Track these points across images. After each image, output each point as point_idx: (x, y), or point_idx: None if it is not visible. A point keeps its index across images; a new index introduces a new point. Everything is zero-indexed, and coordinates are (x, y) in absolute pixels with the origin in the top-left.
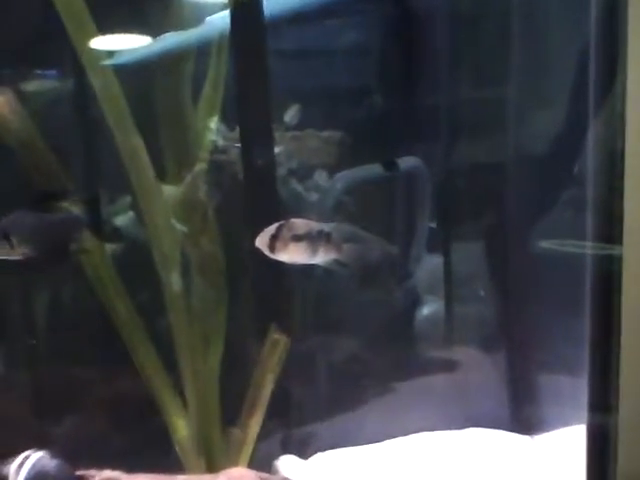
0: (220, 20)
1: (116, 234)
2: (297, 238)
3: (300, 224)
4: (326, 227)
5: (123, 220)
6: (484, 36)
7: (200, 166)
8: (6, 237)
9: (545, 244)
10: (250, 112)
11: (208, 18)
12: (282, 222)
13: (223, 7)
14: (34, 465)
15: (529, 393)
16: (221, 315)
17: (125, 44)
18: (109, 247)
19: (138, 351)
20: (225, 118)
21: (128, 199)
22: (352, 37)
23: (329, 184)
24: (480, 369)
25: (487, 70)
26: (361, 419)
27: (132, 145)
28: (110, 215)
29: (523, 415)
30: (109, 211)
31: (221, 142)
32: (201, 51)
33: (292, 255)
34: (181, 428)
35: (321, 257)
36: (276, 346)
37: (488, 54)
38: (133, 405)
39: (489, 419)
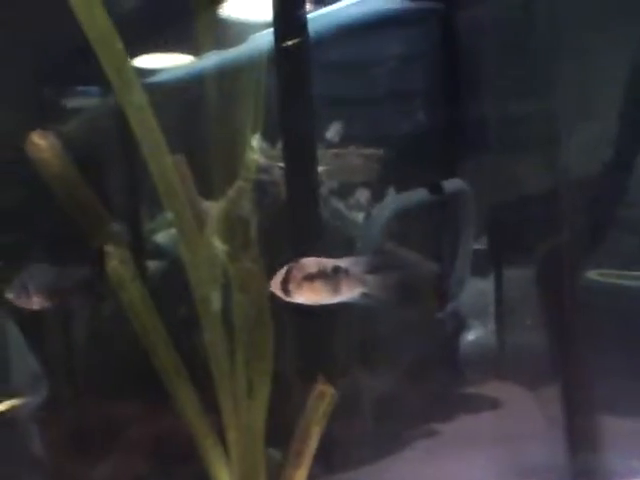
0: (264, 38)
1: (156, 252)
2: (310, 278)
3: (311, 263)
4: (342, 262)
5: (163, 237)
6: (536, 50)
7: (241, 183)
8: (24, 287)
9: (602, 273)
10: (293, 129)
11: (252, 36)
12: (291, 264)
13: (267, 26)
14: None
15: (589, 438)
16: (266, 351)
17: (168, 62)
18: (151, 265)
19: (178, 393)
20: (267, 136)
21: (168, 215)
22: (396, 53)
23: (376, 210)
24: (531, 408)
25: (538, 85)
26: (401, 467)
27: (163, 165)
28: (150, 232)
29: (583, 464)
30: (149, 228)
31: (263, 160)
32: (244, 69)
33: (309, 296)
34: (223, 477)
35: (345, 294)
36: (323, 398)
37: (539, 69)
38: (172, 448)
39: (543, 469)
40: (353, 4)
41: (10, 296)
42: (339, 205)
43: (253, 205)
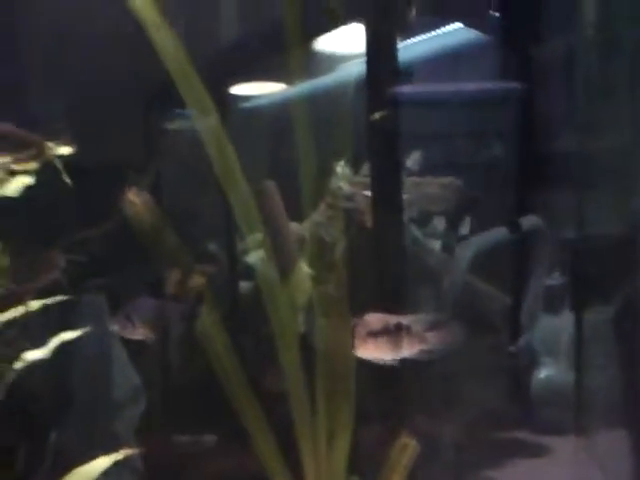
0: (353, 68)
1: (248, 272)
2: (374, 334)
3: (375, 319)
4: (404, 320)
5: (254, 258)
6: (617, 86)
7: (325, 207)
8: (129, 319)
9: None
10: (380, 158)
11: (342, 65)
12: (356, 319)
13: (356, 57)
14: None
15: None
16: (348, 400)
17: (264, 90)
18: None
19: (256, 438)
20: (353, 163)
21: (259, 236)
22: (478, 84)
23: (460, 249)
24: (611, 457)
25: (618, 121)
26: None
27: (240, 192)
28: (242, 253)
29: None
30: (241, 248)
31: (348, 188)
32: (331, 97)
33: (372, 352)
34: None
35: (407, 351)
36: (405, 450)
37: (616, 108)
38: None
39: None
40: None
41: (115, 328)
42: (417, 233)
43: (339, 231)
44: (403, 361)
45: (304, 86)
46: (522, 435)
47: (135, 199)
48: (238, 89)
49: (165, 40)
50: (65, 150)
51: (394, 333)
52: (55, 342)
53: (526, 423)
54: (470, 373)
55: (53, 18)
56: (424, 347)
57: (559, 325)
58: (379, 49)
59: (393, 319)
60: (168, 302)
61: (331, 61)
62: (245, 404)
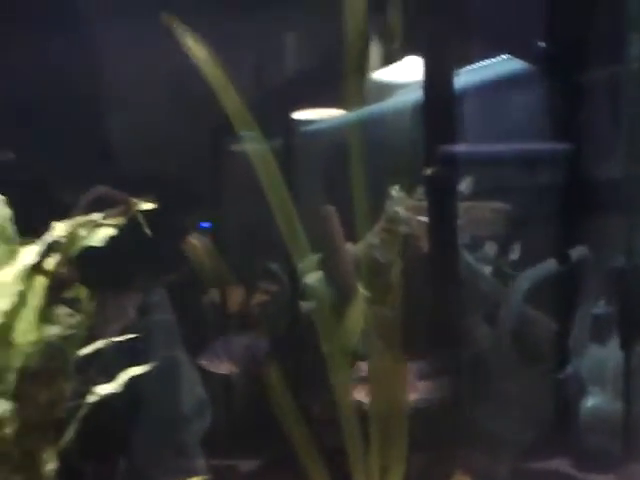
0: (409, 95)
1: (307, 292)
2: (365, 380)
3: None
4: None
5: (312, 278)
6: None
7: (380, 230)
8: (216, 354)
9: None
10: (436, 183)
11: (398, 93)
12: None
13: (412, 85)
14: None
15: None
16: (401, 436)
17: (322, 115)
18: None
19: (309, 466)
20: (408, 187)
21: (316, 257)
22: (527, 111)
23: (517, 281)
24: None
25: None
26: None
27: (287, 214)
28: (300, 273)
29: None
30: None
31: (403, 212)
32: (387, 122)
33: (365, 396)
34: None
35: None
36: None
37: None
38: None
39: None
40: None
41: (203, 362)
42: (469, 258)
43: (394, 254)
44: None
45: (361, 112)
46: (569, 463)
47: (196, 243)
48: (301, 114)
49: (218, 82)
50: (147, 206)
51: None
52: (125, 377)
53: (573, 451)
54: (521, 399)
55: (131, 69)
56: (415, 396)
57: (606, 354)
58: (435, 78)
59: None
60: (251, 340)
61: (387, 89)
62: (296, 431)
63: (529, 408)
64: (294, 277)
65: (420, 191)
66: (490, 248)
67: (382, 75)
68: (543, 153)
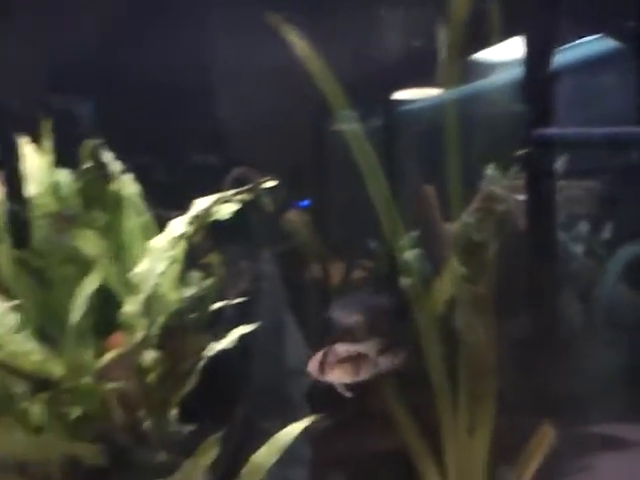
0: (507, 74)
1: (406, 270)
2: (341, 361)
3: (342, 349)
4: (362, 348)
5: (410, 256)
6: None
7: (474, 209)
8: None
9: None
10: (534, 161)
11: (498, 71)
12: (327, 348)
13: (510, 64)
14: None
15: None
16: (489, 390)
17: (421, 95)
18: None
19: (402, 423)
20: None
21: (414, 234)
22: (621, 89)
23: (612, 263)
24: None
25: None
26: None
27: (383, 195)
28: (398, 250)
29: None
30: (397, 246)
31: (499, 190)
32: (483, 101)
33: (338, 376)
34: None
35: (363, 374)
36: (546, 438)
37: None
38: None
39: None
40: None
41: (332, 315)
42: (563, 237)
43: (489, 233)
44: None
45: (459, 91)
46: None
47: (294, 218)
48: (400, 94)
49: (316, 67)
50: (271, 183)
51: (355, 360)
52: (237, 334)
53: None
54: (613, 376)
55: (241, 57)
56: (376, 370)
57: None
58: (534, 57)
59: (355, 348)
60: (373, 297)
61: (487, 68)
62: (390, 390)
63: (622, 387)
64: (392, 255)
65: (515, 170)
66: (583, 227)
67: (482, 54)
68: (636, 133)
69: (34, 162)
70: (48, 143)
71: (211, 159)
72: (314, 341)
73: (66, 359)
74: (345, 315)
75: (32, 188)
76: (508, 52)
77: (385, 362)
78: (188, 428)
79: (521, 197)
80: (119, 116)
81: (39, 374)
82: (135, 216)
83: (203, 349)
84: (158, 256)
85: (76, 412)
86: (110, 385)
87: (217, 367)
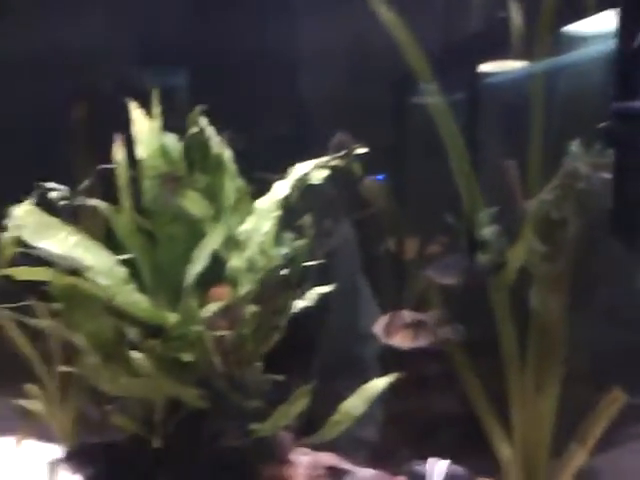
0: (595, 48)
1: (483, 246)
2: (405, 326)
3: (406, 314)
4: (424, 316)
5: (487, 233)
6: None
7: (554, 186)
8: (446, 267)
9: None
10: (623, 138)
11: (589, 44)
12: (394, 312)
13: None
14: (447, 469)
15: None
16: (558, 353)
17: (508, 67)
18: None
19: (467, 381)
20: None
21: (491, 211)
22: None
23: None
24: None
25: None
26: None
27: (464, 169)
28: (475, 227)
29: None
30: (475, 222)
31: (584, 168)
32: (572, 75)
33: (400, 340)
34: (505, 453)
35: (421, 342)
36: (615, 402)
37: None
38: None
39: None
40: None
41: (430, 274)
42: None
43: (569, 211)
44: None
45: (546, 64)
46: None
47: (371, 185)
48: (486, 67)
49: (403, 38)
50: (362, 150)
51: (416, 327)
52: (315, 294)
53: None
54: None
55: (325, 30)
56: (433, 339)
57: None
58: (626, 30)
59: (417, 316)
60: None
61: (578, 41)
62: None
63: None
64: (470, 230)
65: (599, 147)
66: None
67: (574, 27)
68: None
69: (144, 126)
70: (156, 109)
71: (293, 130)
72: (385, 306)
73: (182, 309)
74: (442, 275)
75: (142, 150)
76: (601, 24)
77: (443, 332)
78: (275, 378)
79: (606, 175)
80: (209, 87)
81: (152, 322)
82: (231, 179)
83: (291, 305)
84: (264, 216)
85: (186, 357)
86: (214, 334)
87: (297, 323)
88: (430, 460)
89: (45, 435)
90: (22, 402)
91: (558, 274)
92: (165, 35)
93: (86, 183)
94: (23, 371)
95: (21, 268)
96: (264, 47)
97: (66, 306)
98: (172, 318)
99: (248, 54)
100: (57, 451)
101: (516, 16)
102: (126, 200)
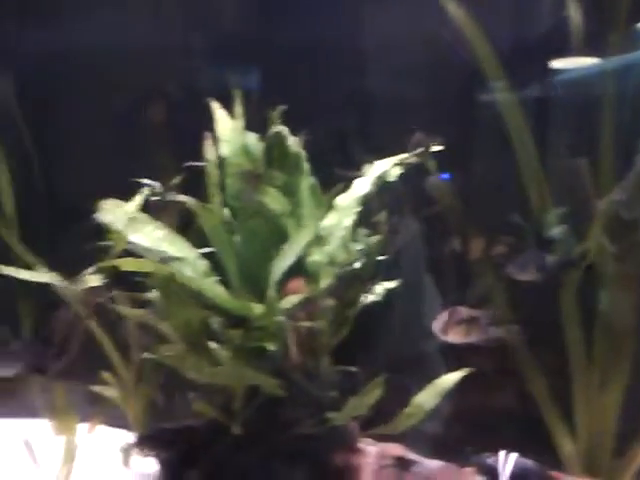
0: None
1: (552, 246)
2: (460, 322)
3: (462, 311)
4: (477, 313)
5: (557, 232)
6: None
7: (628, 186)
8: (526, 264)
9: None
10: None
11: None
12: (451, 309)
13: None
14: (517, 462)
15: None
16: (624, 351)
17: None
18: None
19: (530, 377)
20: None
21: (561, 211)
22: None
23: None
24: None
25: None
26: None
27: (532, 168)
28: (545, 226)
29: None
30: (544, 222)
31: None
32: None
33: (453, 336)
34: (567, 447)
35: (473, 338)
36: None
37: None
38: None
39: None
40: None
41: (510, 270)
42: None
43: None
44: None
45: (619, 60)
46: None
47: (439, 184)
48: (558, 63)
49: (473, 36)
50: (438, 147)
51: (469, 323)
52: (382, 289)
53: None
54: None
55: (396, 28)
56: (483, 336)
57: None
58: None
59: (472, 312)
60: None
61: None
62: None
63: None
64: (538, 230)
65: None
66: None
67: None
68: None
69: (227, 125)
70: (239, 108)
71: (364, 127)
72: (448, 303)
73: (267, 301)
74: (520, 272)
75: (225, 149)
76: None
77: (494, 331)
78: (345, 369)
79: None
80: (280, 84)
81: (237, 312)
82: (305, 177)
83: (361, 299)
84: (345, 212)
85: (269, 347)
86: (294, 325)
87: (364, 317)
88: (500, 453)
89: (116, 422)
90: (97, 389)
91: (628, 274)
92: (238, 35)
93: (176, 180)
94: (95, 360)
95: (127, 259)
96: (334, 45)
97: (163, 295)
98: (257, 309)
99: (319, 52)
100: (129, 437)
101: (575, 15)
102: (216, 196)
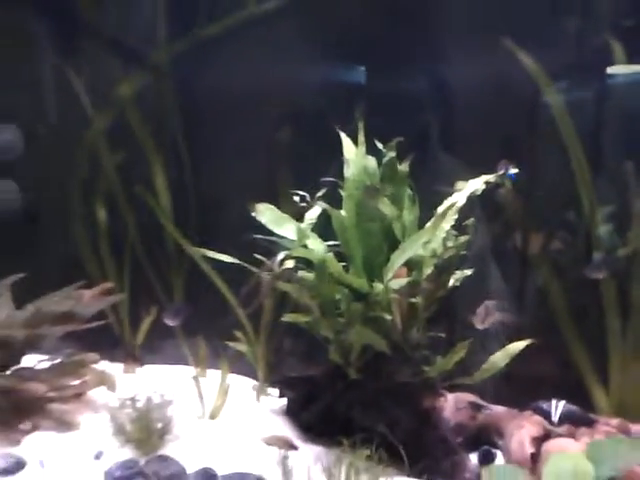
0: None
1: (599, 243)
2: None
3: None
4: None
5: (603, 230)
6: None
7: None
8: (488, 312)
9: None
10: None
11: None
12: (487, 302)
13: None
14: (565, 406)
15: None
16: None
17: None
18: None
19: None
20: None
21: (607, 209)
22: None
23: None
24: None
25: None
26: None
27: (581, 166)
28: (591, 225)
29: None
30: (590, 221)
31: None
32: None
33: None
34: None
35: (486, 324)
36: None
37: None
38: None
39: None
40: None
41: (587, 271)
42: None
43: None
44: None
45: None
46: None
47: (507, 193)
48: (615, 69)
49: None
50: (514, 170)
51: (486, 310)
52: (460, 276)
53: None
54: None
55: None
56: (492, 322)
57: None
58: None
59: (489, 303)
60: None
61: None
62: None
63: None
64: (589, 228)
65: None
66: None
67: None
68: None
69: (351, 150)
70: (361, 137)
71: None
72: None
73: (385, 282)
74: (594, 272)
75: (350, 170)
76: None
77: (503, 316)
78: (435, 335)
79: None
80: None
81: (361, 289)
82: (406, 190)
83: (449, 284)
84: (446, 219)
85: (386, 316)
86: (400, 301)
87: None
88: (552, 400)
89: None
90: (231, 344)
91: None
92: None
93: (322, 191)
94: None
95: (299, 248)
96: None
97: (317, 276)
98: (378, 288)
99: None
100: (254, 383)
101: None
102: (352, 206)
